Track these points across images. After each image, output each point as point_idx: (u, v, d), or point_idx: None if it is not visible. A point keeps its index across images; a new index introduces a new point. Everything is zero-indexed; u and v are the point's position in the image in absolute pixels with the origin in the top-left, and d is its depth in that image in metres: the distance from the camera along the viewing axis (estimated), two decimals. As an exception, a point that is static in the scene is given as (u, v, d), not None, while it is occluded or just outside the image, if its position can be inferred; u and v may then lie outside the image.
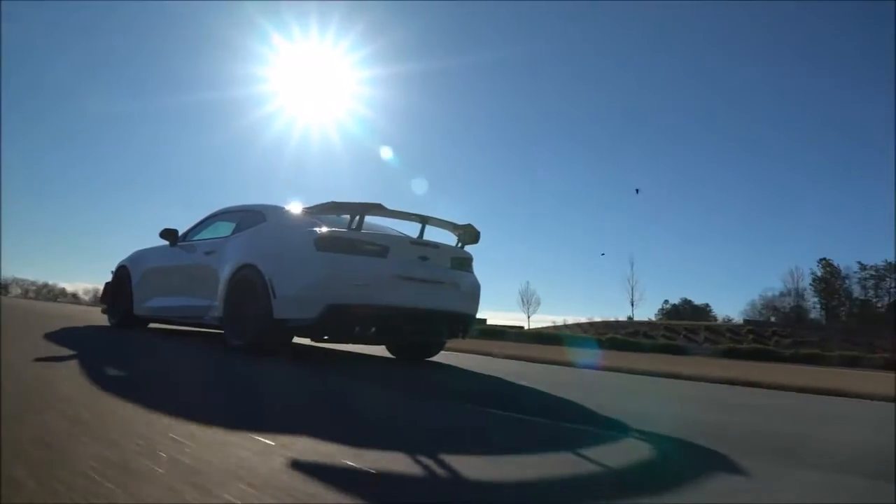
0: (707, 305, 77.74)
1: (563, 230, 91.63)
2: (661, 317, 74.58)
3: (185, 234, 6.51)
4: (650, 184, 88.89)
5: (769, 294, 72.12)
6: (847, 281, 70.25)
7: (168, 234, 6.52)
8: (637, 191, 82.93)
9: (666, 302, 78.30)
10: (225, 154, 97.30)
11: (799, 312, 68.80)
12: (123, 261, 7.13)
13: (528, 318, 67.15)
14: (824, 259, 70.98)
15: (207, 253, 5.79)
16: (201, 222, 6.52)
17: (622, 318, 64.97)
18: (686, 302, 77.64)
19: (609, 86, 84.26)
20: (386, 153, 68.34)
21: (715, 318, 74.16)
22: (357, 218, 4.85)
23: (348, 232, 4.82)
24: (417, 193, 77.87)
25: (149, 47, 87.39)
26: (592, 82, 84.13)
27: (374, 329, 4.72)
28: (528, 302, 68.17)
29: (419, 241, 5.08)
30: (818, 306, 71.13)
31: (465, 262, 5.35)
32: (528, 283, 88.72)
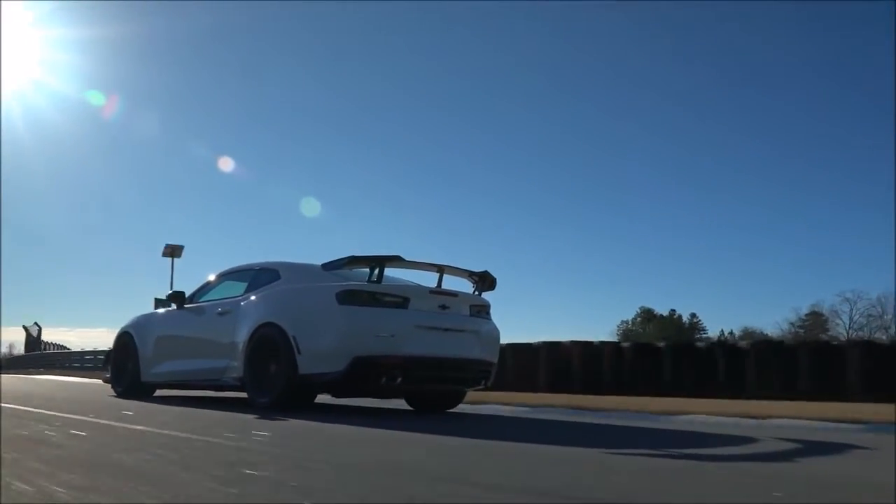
0: (695, 316, 61.84)
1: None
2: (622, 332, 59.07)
3: (192, 296, 6.47)
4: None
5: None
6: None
7: (176, 297, 6.47)
8: None
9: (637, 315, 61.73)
10: None
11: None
12: (126, 326, 7.00)
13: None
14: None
15: (221, 313, 5.77)
16: (208, 283, 6.49)
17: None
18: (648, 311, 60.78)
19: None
20: (226, 163, 51.00)
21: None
22: (377, 270, 4.92)
23: (369, 285, 4.88)
24: (308, 216, 60.62)
25: None
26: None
27: (399, 379, 4.74)
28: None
29: (438, 291, 5.17)
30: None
31: (483, 309, 5.43)
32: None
